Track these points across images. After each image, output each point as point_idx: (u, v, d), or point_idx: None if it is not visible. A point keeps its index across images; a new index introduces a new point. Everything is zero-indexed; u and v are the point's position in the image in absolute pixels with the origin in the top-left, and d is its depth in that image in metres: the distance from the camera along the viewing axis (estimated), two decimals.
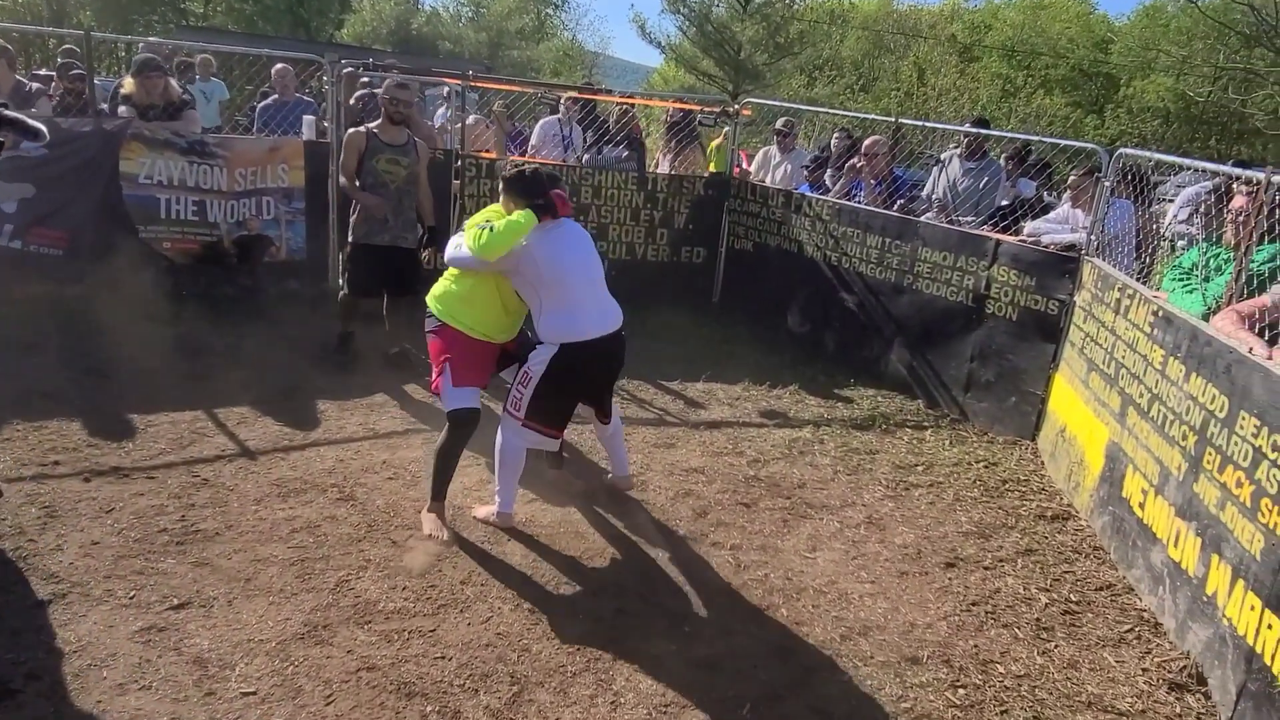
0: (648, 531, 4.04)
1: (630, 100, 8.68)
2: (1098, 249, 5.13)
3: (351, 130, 5.52)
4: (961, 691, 3.12)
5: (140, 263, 6.20)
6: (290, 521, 3.85)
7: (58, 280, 6.02)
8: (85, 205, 6.04)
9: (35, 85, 6.72)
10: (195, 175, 6.26)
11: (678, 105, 7.98)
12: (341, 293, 5.75)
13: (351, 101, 6.94)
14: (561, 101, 8.14)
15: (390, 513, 4.00)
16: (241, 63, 8.30)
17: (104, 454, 4.29)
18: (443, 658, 3.05)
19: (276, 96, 7.36)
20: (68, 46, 6.59)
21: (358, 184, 5.42)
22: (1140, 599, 3.81)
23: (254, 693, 2.80)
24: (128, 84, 6.27)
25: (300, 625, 3.15)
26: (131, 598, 3.22)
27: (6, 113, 3.42)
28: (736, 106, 7.69)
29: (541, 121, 8.18)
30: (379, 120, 5.52)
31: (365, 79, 7.15)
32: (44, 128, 3.57)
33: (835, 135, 8.09)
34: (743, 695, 2.99)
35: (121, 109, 6.20)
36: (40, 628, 3.00)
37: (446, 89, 8.22)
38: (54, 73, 7.33)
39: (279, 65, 7.51)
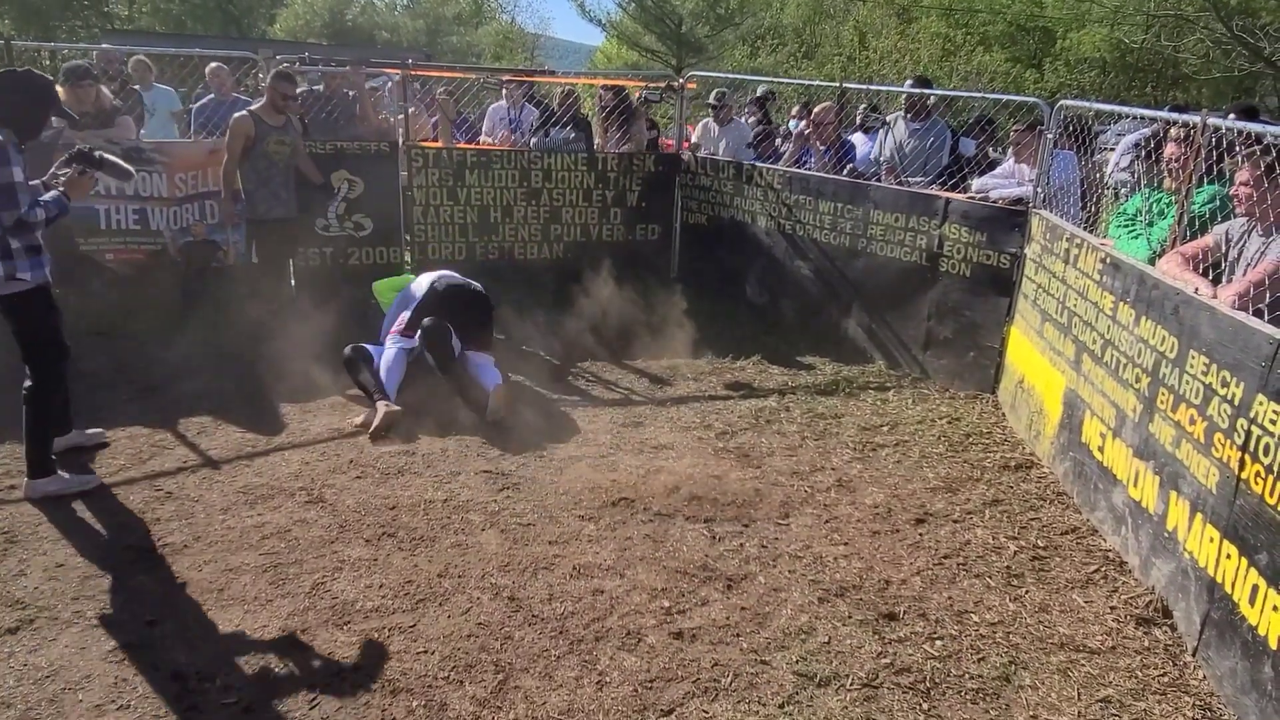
0: (620, 511, 4.06)
1: (573, 80, 8.61)
2: (1044, 201, 5.21)
3: (236, 115, 5.88)
4: (939, 643, 3.19)
5: (83, 276, 6.05)
6: (260, 528, 3.80)
7: None
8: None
9: None
10: (134, 183, 6.09)
11: (611, 83, 7.91)
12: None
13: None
14: (503, 86, 8.05)
15: (361, 512, 3.97)
16: (173, 64, 8.06)
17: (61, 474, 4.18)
18: (425, 652, 3.04)
19: (213, 96, 7.18)
20: None
21: (247, 164, 5.87)
22: (1104, 540, 3.92)
23: (237, 702, 2.78)
24: (60, 93, 6.06)
25: (278, 631, 3.12)
26: (102, 617, 3.16)
27: (105, 156, 4.02)
28: (681, 81, 7.66)
29: (491, 107, 8.08)
30: (261, 103, 5.94)
31: (304, 73, 7.00)
32: (132, 170, 4.26)
33: (794, 115, 8.06)
34: (726, 663, 3.03)
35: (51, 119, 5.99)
36: (10, 655, 2.94)
37: (386, 79, 8.08)
38: None
39: (214, 64, 7.32)
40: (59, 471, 4.05)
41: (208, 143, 6.47)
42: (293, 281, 6.51)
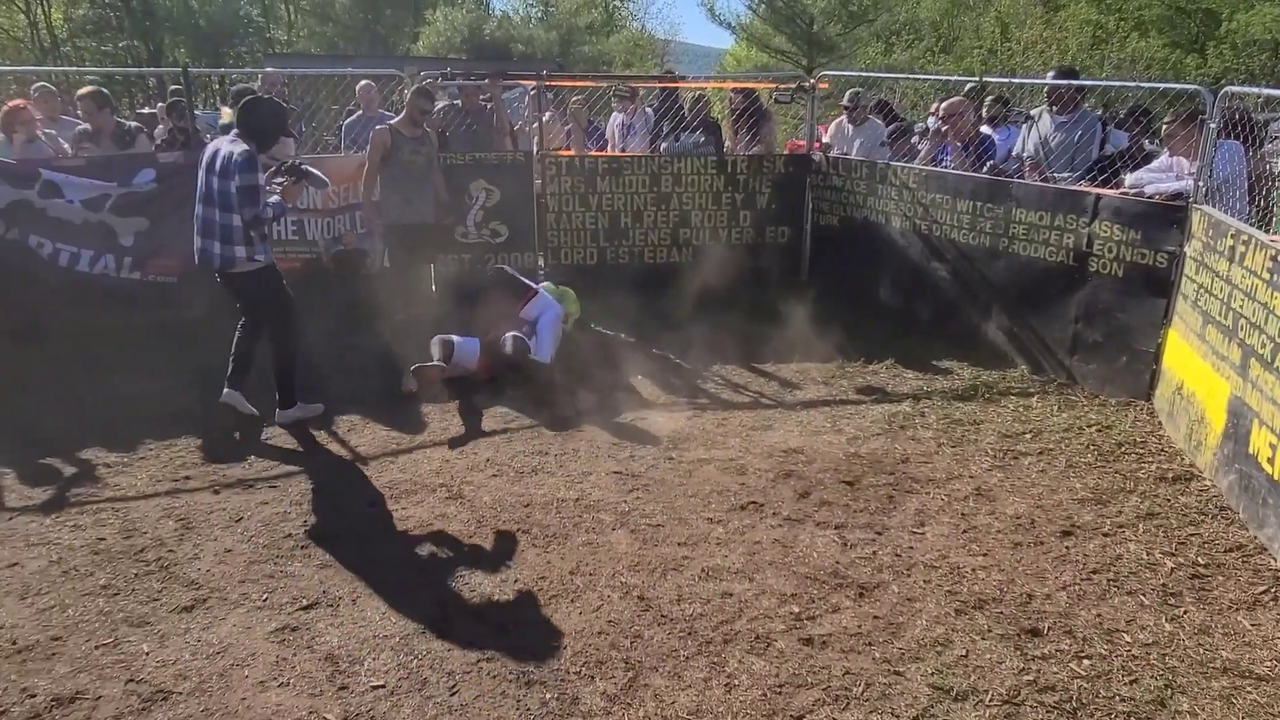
0: (749, 515, 4.05)
1: (703, 84, 8.64)
2: (1207, 195, 4.87)
3: (376, 128, 6.33)
4: (1087, 662, 3.03)
5: None
6: (404, 522, 4.00)
7: (174, 307, 6.37)
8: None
9: (133, 124, 7.10)
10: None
11: (738, 86, 7.89)
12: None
13: (434, 114, 7.12)
14: (618, 98, 8.18)
15: (497, 508, 4.11)
16: (328, 83, 8.59)
17: (229, 467, 4.54)
18: (558, 646, 3.13)
19: (361, 113, 7.59)
20: (175, 86, 6.93)
21: (384, 173, 6.30)
22: (1275, 559, 3.62)
23: (383, 685, 2.94)
24: (225, 114, 6.59)
25: (421, 619, 3.28)
26: (265, 600, 3.40)
27: (308, 168, 4.95)
28: (812, 81, 7.57)
29: (614, 117, 8.22)
30: (400, 117, 6.35)
31: (444, 88, 7.33)
32: (326, 179, 5.19)
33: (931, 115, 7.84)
34: (857, 672, 2.98)
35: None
36: (186, 631, 3.21)
37: (521, 90, 8.35)
38: (157, 111, 7.75)
39: (363, 83, 7.75)
40: (299, 402, 5.08)
41: (357, 157, 6.85)
42: (434, 286, 6.81)
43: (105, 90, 6.94)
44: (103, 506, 4.14)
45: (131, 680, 2.94)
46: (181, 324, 6.28)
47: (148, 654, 3.08)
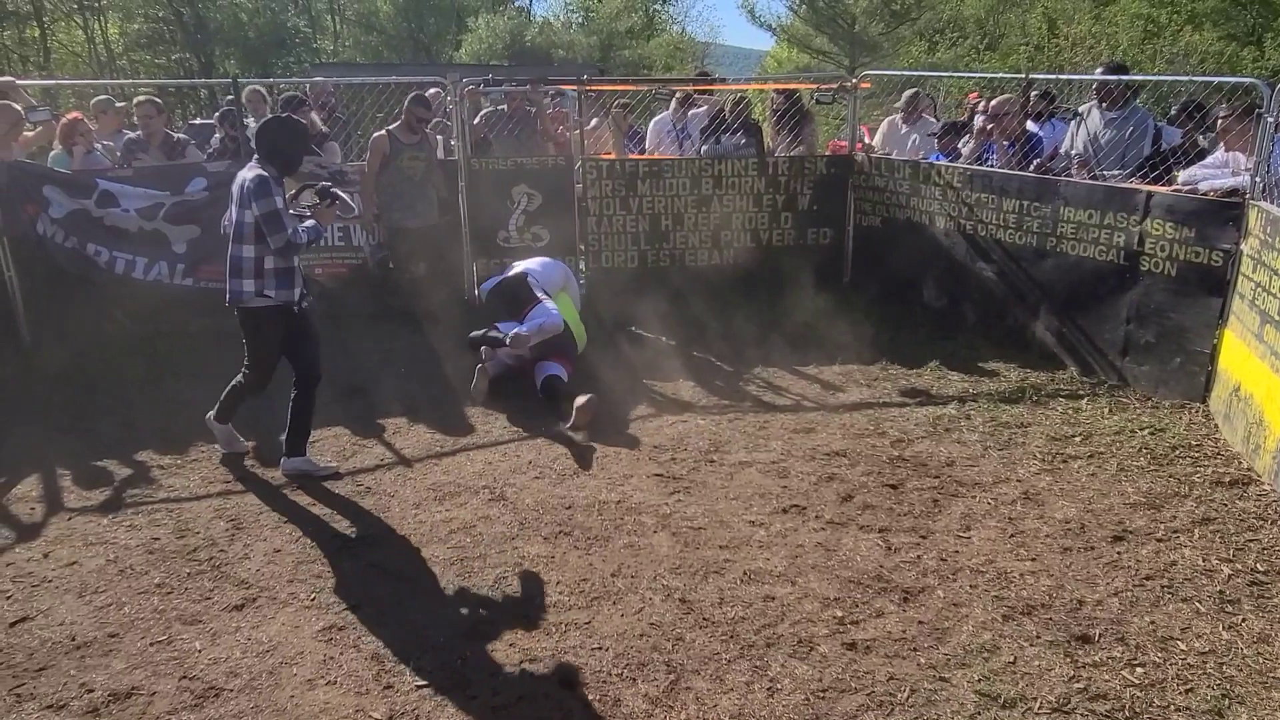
0: (791, 518, 4.02)
1: (744, 86, 8.61)
2: (1264, 192, 4.73)
3: (376, 134, 6.50)
4: (1140, 670, 2.96)
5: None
6: (448, 523, 4.04)
7: (225, 312, 6.48)
8: None
9: (179, 136, 7.27)
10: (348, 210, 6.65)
11: (781, 87, 7.85)
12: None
13: (476, 121, 7.20)
14: (674, 99, 8.16)
15: (539, 510, 4.14)
16: (372, 91, 8.72)
17: (278, 469, 4.62)
18: (600, 648, 3.13)
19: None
20: (230, 96, 7.10)
21: (383, 178, 6.44)
22: None
23: (427, 685, 2.97)
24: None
25: (464, 621, 3.31)
26: (312, 600, 3.46)
27: (338, 192, 4.62)
28: (854, 81, 7.50)
29: (655, 120, 8.22)
30: (399, 123, 6.49)
31: (487, 94, 7.40)
32: (356, 208, 5.25)
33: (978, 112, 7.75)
34: (902, 678, 2.94)
35: None
36: (236, 629, 3.28)
37: (561, 95, 8.39)
38: (210, 121, 7.92)
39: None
40: (309, 456, 4.58)
41: None
42: (477, 290, 6.87)
43: (159, 99, 7.15)
44: (157, 507, 4.24)
45: (184, 677, 3.01)
46: (233, 329, 6.39)
47: (200, 651, 3.15)
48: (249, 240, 4.27)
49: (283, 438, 4.56)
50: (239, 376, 4.61)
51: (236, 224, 4.29)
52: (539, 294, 5.76)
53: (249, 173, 4.26)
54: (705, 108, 7.82)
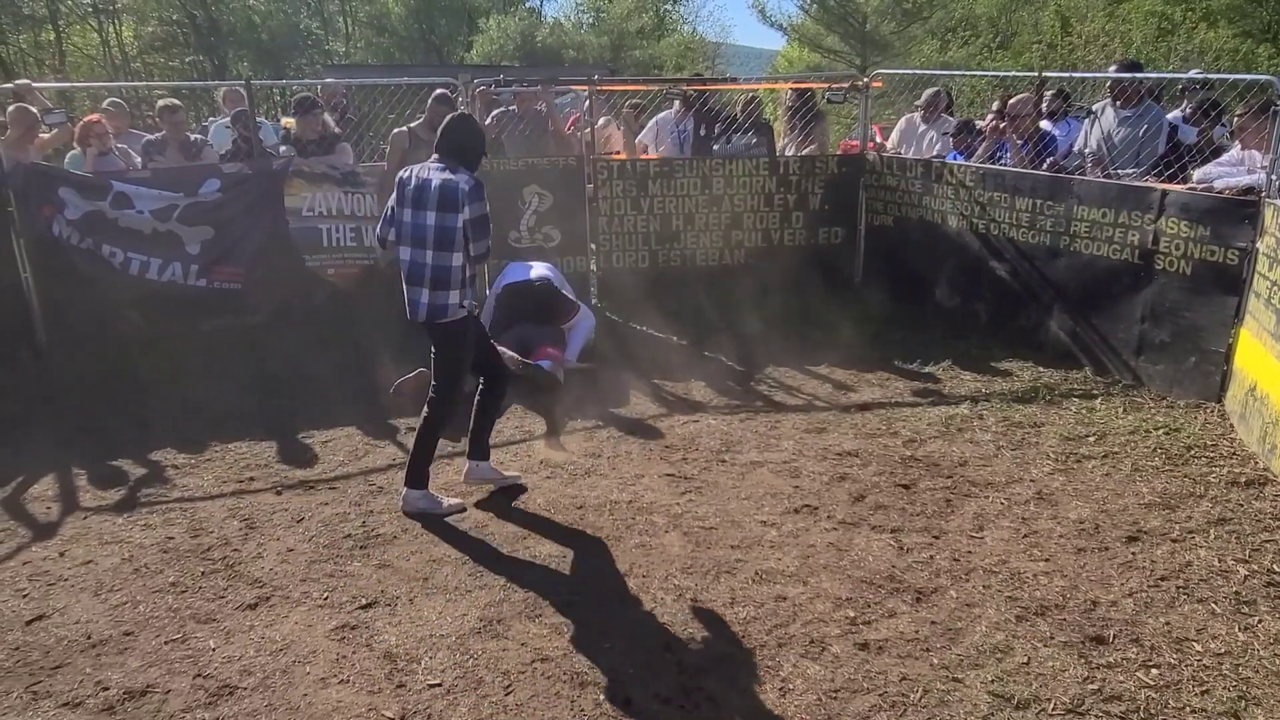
0: (803, 518, 4.01)
1: (755, 86, 8.60)
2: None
3: (396, 130, 6.57)
4: (1155, 671, 2.94)
5: (309, 290, 6.67)
6: (459, 522, 4.05)
7: (238, 312, 6.56)
8: (257, 241, 6.56)
9: (197, 137, 7.32)
10: (350, 204, 6.70)
11: (794, 86, 7.83)
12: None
13: (488, 121, 7.21)
14: (676, 102, 8.14)
15: (551, 510, 4.14)
16: (384, 93, 8.76)
17: (291, 469, 4.65)
18: (611, 648, 3.14)
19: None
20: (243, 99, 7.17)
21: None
22: None
23: (440, 684, 2.98)
24: (288, 123, 6.78)
25: (476, 620, 3.32)
26: (325, 599, 3.48)
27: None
28: (866, 80, 7.48)
29: (656, 118, 8.19)
30: (421, 121, 6.56)
31: (498, 95, 7.41)
32: None
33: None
34: (914, 678, 2.93)
35: (282, 148, 6.71)
36: (250, 628, 3.30)
37: (572, 95, 8.40)
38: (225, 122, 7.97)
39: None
40: (431, 491, 4.17)
41: None
42: (488, 290, 6.88)
43: (178, 103, 7.24)
44: (171, 506, 4.27)
45: (199, 675, 3.03)
46: (246, 329, 6.46)
47: (214, 650, 3.17)
48: (458, 247, 3.92)
49: (464, 441, 4.35)
50: (433, 408, 4.14)
51: (438, 228, 3.89)
52: (574, 300, 5.90)
53: (455, 175, 3.89)
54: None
